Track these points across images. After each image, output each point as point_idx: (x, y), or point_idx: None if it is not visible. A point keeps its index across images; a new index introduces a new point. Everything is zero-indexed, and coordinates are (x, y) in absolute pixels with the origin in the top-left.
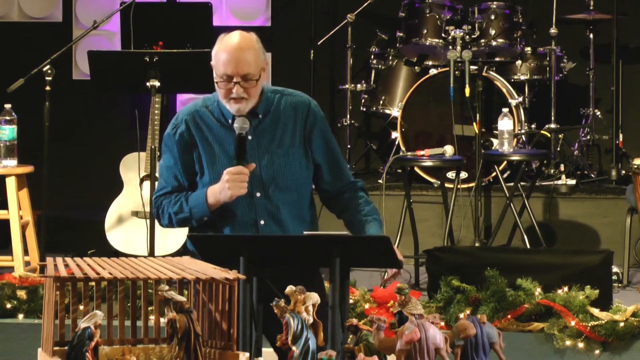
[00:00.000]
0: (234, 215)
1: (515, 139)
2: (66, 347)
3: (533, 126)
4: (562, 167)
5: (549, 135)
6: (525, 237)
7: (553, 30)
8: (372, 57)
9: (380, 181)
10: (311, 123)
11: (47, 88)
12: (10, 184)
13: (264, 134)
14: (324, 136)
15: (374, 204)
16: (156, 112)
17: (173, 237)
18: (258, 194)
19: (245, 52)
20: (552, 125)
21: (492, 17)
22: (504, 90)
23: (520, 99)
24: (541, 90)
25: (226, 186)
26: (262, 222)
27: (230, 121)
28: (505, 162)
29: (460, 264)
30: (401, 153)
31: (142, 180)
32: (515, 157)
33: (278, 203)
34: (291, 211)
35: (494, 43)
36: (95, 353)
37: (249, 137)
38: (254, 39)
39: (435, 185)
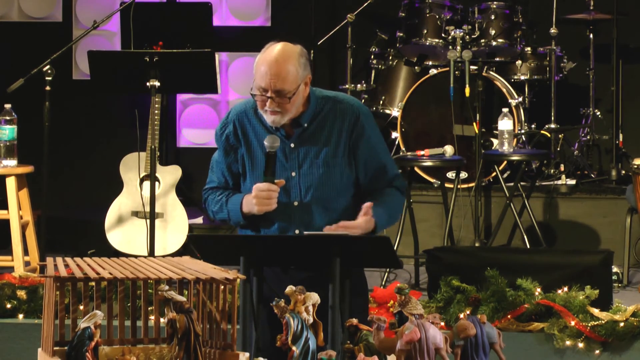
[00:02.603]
0: (272, 222)
1: (515, 139)
2: (66, 347)
3: (533, 126)
4: (562, 167)
5: (549, 135)
6: (525, 237)
7: (553, 30)
8: (372, 57)
9: None
10: (358, 133)
11: (47, 88)
12: (10, 184)
13: (307, 142)
14: (369, 145)
15: (403, 202)
16: (156, 112)
17: (173, 237)
18: (296, 203)
19: (282, 67)
20: (552, 125)
21: (492, 17)
22: (504, 90)
23: (520, 99)
24: (541, 90)
25: (254, 202)
26: (297, 231)
27: (273, 127)
28: (505, 162)
29: (460, 264)
30: (401, 153)
31: (142, 180)
32: (515, 157)
33: (316, 212)
34: (329, 221)
35: (494, 43)
36: (95, 353)
37: (292, 145)
38: (296, 52)
39: (435, 185)
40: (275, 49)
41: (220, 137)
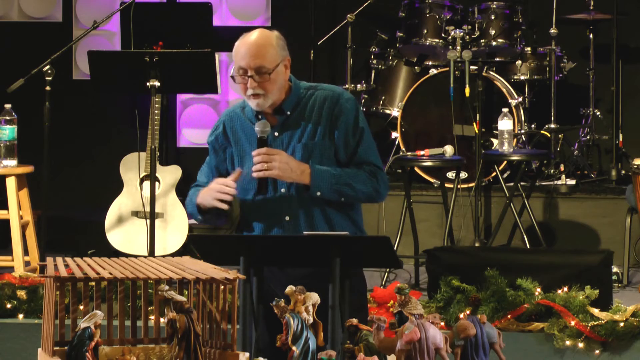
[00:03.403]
0: (263, 210)
1: (515, 139)
2: (66, 347)
3: (533, 126)
4: (562, 167)
5: (549, 135)
6: (525, 237)
7: (553, 30)
8: (372, 57)
9: None
10: (337, 114)
11: (47, 88)
12: (10, 184)
13: (290, 129)
14: (347, 125)
15: (373, 185)
16: (156, 112)
17: (173, 237)
18: (283, 190)
19: (261, 47)
20: (552, 125)
21: (492, 17)
22: (504, 90)
23: (520, 99)
24: (541, 90)
25: (210, 193)
26: (287, 218)
27: (258, 119)
28: (505, 162)
29: (460, 264)
30: (401, 153)
31: (142, 180)
32: (515, 157)
33: (302, 197)
34: (317, 205)
35: (494, 43)
36: (95, 353)
37: (275, 134)
38: (273, 35)
39: (435, 185)
40: (252, 33)
41: (210, 139)
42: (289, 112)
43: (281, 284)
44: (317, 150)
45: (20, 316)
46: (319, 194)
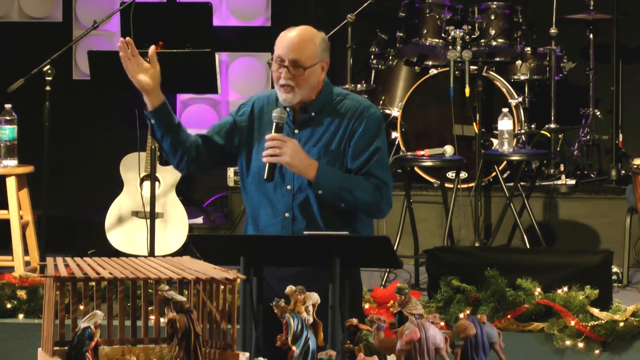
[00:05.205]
0: (267, 205)
1: (515, 139)
2: (66, 347)
3: (533, 126)
4: (562, 167)
5: (548, 135)
6: (525, 237)
7: (553, 30)
8: (372, 57)
9: None
10: (356, 127)
11: (47, 88)
12: (10, 184)
13: (309, 130)
14: (364, 137)
15: (375, 198)
16: None
17: (173, 237)
18: (289, 187)
19: (301, 41)
20: (552, 125)
21: (492, 17)
22: (504, 90)
23: (520, 99)
24: (541, 90)
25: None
26: (286, 214)
27: (285, 106)
28: (505, 162)
29: (460, 264)
30: (401, 153)
31: (142, 180)
32: (515, 157)
33: (307, 198)
34: (321, 207)
35: (494, 43)
36: (95, 353)
37: (295, 131)
38: (318, 35)
39: (435, 185)
40: (299, 27)
41: (234, 110)
42: (313, 114)
43: (277, 280)
44: (331, 158)
45: (20, 316)
46: (320, 192)
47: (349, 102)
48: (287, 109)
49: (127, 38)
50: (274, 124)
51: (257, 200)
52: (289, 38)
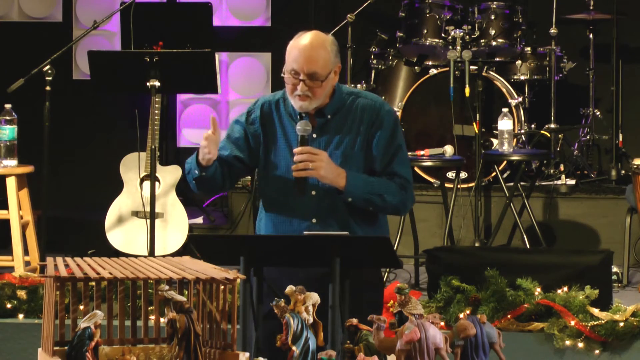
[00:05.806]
0: (291, 211)
1: (515, 139)
2: (66, 347)
3: (533, 126)
4: (562, 167)
5: (548, 135)
6: (525, 237)
7: (553, 30)
8: (372, 57)
9: None
10: (376, 126)
11: (47, 88)
12: (10, 184)
13: (328, 134)
14: (385, 137)
15: (402, 198)
16: (156, 112)
17: (173, 237)
18: (313, 192)
19: (316, 51)
20: (552, 125)
21: (492, 17)
22: (504, 90)
23: (520, 99)
24: (541, 90)
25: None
26: (313, 220)
27: (298, 117)
28: (505, 162)
29: (460, 264)
30: None
31: (142, 180)
32: (515, 157)
33: (332, 203)
34: (345, 211)
35: (494, 43)
36: (95, 353)
37: (314, 136)
38: (328, 40)
39: (435, 185)
40: (308, 34)
41: (242, 118)
42: (329, 116)
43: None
44: (353, 160)
45: (20, 316)
46: (350, 199)
47: (362, 100)
48: (304, 115)
49: (212, 116)
50: (299, 136)
51: (278, 207)
52: (302, 49)
